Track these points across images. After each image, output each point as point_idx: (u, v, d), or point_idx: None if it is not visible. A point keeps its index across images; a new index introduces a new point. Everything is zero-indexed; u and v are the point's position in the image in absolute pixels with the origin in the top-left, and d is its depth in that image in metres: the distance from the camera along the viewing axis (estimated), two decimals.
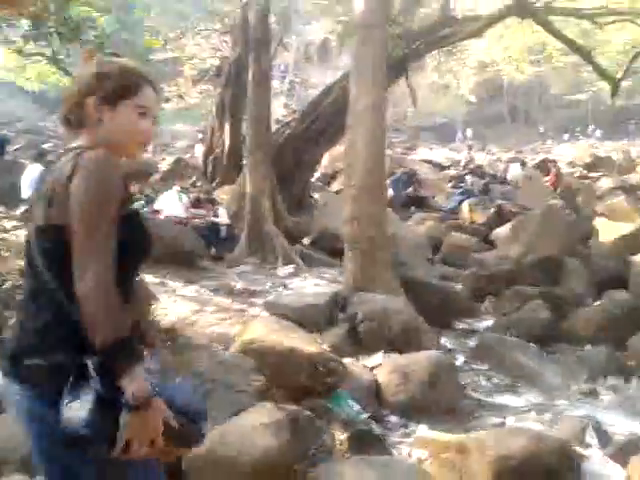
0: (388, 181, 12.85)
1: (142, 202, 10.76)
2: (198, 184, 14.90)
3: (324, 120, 12.61)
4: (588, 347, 6.65)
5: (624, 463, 3.99)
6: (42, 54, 11.41)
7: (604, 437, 4.47)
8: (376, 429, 4.52)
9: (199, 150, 17.75)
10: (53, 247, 1.46)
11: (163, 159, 19.26)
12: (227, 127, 14.60)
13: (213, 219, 10.10)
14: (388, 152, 23.10)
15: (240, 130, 14.33)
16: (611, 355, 6.40)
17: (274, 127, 13.92)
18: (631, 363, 6.40)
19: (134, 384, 1.39)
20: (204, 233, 9.72)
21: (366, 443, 4.14)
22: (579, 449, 4.21)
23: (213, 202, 10.60)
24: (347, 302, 6.85)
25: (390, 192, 14.21)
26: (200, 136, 21.17)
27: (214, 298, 7.68)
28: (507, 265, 8.63)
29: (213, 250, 9.80)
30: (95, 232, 1.40)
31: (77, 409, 1.37)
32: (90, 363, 1.39)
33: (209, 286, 8.13)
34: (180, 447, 1.55)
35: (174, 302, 7.13)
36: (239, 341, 5.01)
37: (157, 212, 10.16)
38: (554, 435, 4.22)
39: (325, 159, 20.36)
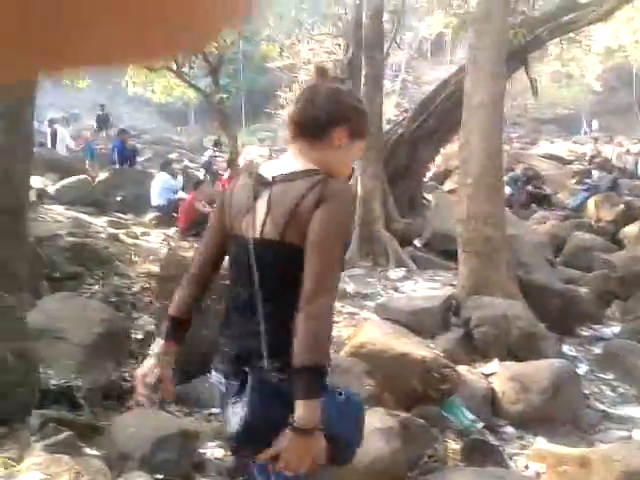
0: (506, 178, 12.39)
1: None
2: None
3: (437, 117, 12.40)
4: None
5: None
6: (168, 67, 12.25)
7: None
8: (491, 439, 4.40)
9: None
10: (279, 262, 1.56)
11: None
12: None
13: None
14: (506, 147, 22.36)
15: None
16: None
17: (386, 127, 13.92)
18: None
19: (310, 409, 1.44)
20: None
21: (481, 454, 4.06)
22: None
23: None
24: (461, 306, 6.72)
25: (508, 190, 13.71)
26: None
27: None
28: (638, 266, 8.02)
29: None
30: (336, 262, 1.53)
31: (232, 417, 1.53)
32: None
33: None
34: (327, 466, 1.56)
35: None
36: (350, 344, 5.09)
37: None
38: None
39: (438, 158, 20.14)
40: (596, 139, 24.01)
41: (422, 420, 4.23)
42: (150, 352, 1.72)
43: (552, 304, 6.93)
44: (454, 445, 4.18)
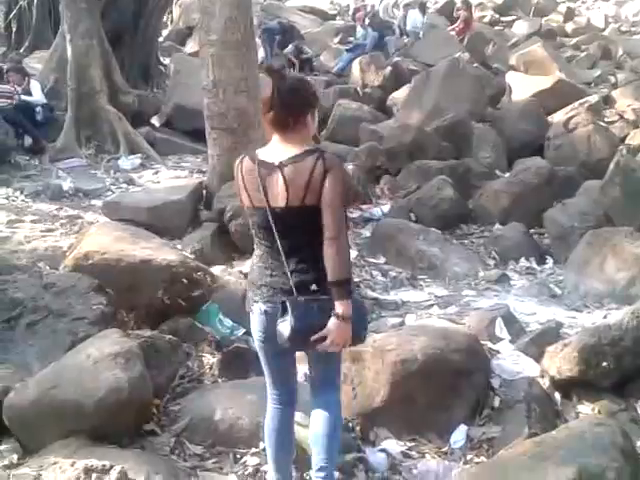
0: (258, 38, 12.44)
1: None
2: (0, 50, 13.74)
3: None
4: (498, 226, 7.11)
5: (538, 355, 4.40)
6: None
7: (516, 328, 4.89)
8: (255, 347, 4.63)
9: None
10: (310, 216, 2.57)
11: None
12: None
13: (25, 97, 9.37)
14: None
15: None
16: (524, 233, 6.90)
17: None
18: (547, 241, 6.95)
19: (347, 305, 2.58)
20: (13, 118, 9.04)
21: (243, 364, 4.25)
22: (489, 344, 4.59)
23: (23, 73, 9.79)
24: (213, 196, 6.78)
25: (261, 53, 13.83)
26: None
27: (35, 204, 7.34)
28: (407, 136, 8.81)
29: (28, 140, 9.19)
30: (344, 211, 2.64)
31: (281, 327, 2.63)
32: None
33: (27, 188, 7.73)
34: (352, 344, 2.76)
35: None
36: (72, 257, 4.84)
37: None
38: (461, 331, 4.54)
39: (176, 11, 19.43)
40: None
41: (171, 336, 4.27)
42: None
43: None
44: (212, 359, 4.30)
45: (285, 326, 2.60)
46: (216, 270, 5.38)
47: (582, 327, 4.86)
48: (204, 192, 7.02)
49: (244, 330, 4.86)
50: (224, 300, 5.03)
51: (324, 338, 2.59)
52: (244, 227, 6.18)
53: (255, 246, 2.82)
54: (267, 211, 2.62)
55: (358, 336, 2.74)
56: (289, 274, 2.64)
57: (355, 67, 13.85)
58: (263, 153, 2.69)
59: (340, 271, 2.54)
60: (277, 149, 2.66)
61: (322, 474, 2.82)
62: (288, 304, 2.60)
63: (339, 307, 2.55)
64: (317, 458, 2.85)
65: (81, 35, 9.74)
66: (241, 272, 5.58)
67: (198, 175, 8.24)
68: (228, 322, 4.85)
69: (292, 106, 2.63)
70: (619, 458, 2.98)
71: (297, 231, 2.63)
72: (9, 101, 9.19)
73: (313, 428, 2.88)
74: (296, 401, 3.00)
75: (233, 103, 6.93)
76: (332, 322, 2.56)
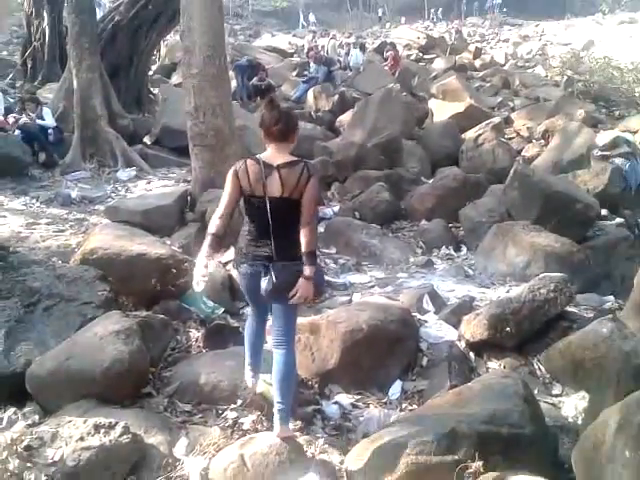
0: (230, 72, 12.29)
1: None
2: (18, 84, 13.29)
3: (156, 4, 11.57)
4: (424, 222, 7.18)
5: (457, 323, 4.47)
6: None
7: (439, 302, 4.96)
8: (232, 322, 4.60)
9: None
10: (294, 206, 2.86)
11: None
12: (45, 15, 12.90)
13: (39, 122, 9.08)
14: (230, 40, 22.07)
15: (61, 17, 12.77)
16: (444, 227, 6.99)
17: (100, 14, 12.56)
18: (462, 233, 7.05)
19: (312, 269, 2.87)
20: (30, 138, 8.77)
21: (222, 337, 4.21)
22: (418, 315, 4.64)
23: (37, 102, 9.48)
24: (196, 200, 6.68)
25: (233, 83, 13.67)
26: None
27: (48, 209, 7.11)
28: (352, 151, 8.82)
29: (42, 157, 8.90)
30: (316, 207, 2.99)
31: (265, 283, 2.92)
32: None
33: (41, 196, 7.48)
34: (314, 300, 3.30)
35: (1, 217, 6.50)
36: (80, 252, 4.73)
37: None
38: (396, 305, 4.57)
39: (163, 50, 19.05)
40: (314, 32, 25.14)
41: (163, 316, 4.21)
42: (199, 262, 3.01)
43: None
44: (197, 334, 4.25)
45: (268, 282, 2.89)
46: None
47: (490, 300, 4.95)
48: (189, 198, 6.91)
49: (223, 309, 4.83)
50: (206, 285, 4.96)
51: (294, 293, 2.87)
52: None
53: (246, 224, 3.01)
54: (265, 199, 2.87)
55: (320, 290, 3.10)
56: (273, 246, 2.90)
57: (310, 95, 13.83)
58: (264, 157, 2.92)
59: (310, 245, 2.85)
60: (274, 155, 2.91)
61: (280, 406, 3.02)
62: (271, 267, 2.88)
63: (306, 270, 2.84)
64: (276, 394, 3.05)
65: (85, 70, 9.47)
66: (220, 262, 5.51)
67: (183, 184, 8.10)
68: (210, 303, 4.79)
69: (290, 125, 2.93)
70: (521, 403, 3.04)
71: (283, 216, 2.88)
72: (26, 123, 8.87)
73: (274, 372, 3.07)
74: (266, 319, 3.30)
75: (211, 124, 6.83)
76: (301, 281, 2.85)
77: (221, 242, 3.01)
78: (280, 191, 2.84)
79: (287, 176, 2.83)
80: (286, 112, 2.99)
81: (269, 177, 2.84)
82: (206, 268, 2.98)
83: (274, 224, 2.88)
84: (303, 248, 2.83)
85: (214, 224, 2.95)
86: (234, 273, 5.21)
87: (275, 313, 3.06)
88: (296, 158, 2.91)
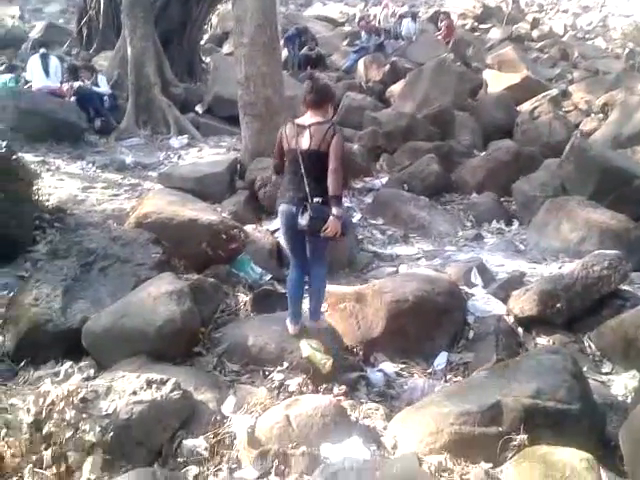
0: (281, 40, 12.21)
1: (12, 76, 9.67)
2: (74, 51, 13.56)
3: None
4: (475, 195, 7.04)
5: (505, 298, 4.40)
6: None
7: (487, 276, 4.88)
8: (279, 289, 4.66)
9: None
10: (322, 158, 3.34)
11: (33, 26, 17.15)
12: None
13: (94, 88, 9.28)
14: (281, 9, 21.87)
15: None
16: (495, 201, 6.84)
17: None
18: (514, 207, 6.90)
19: (340, 210, 3.35)
20: (86, 105, 8.98)
21: (269, 302, 4.27)
22: (466, 289, 4.59)
23: (92, 70, 9.68)
24: (246, 169, 6.73)
25: (284, 52, 13.59)
26: None
27: (104, 174, 7.31)
28: (402, 122, 8.68)
29: (98, 123, 9.12)
30: (343, 162, 3.38)
31: (302, 219, 3.38)
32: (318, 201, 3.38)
33: (97, 161, 7.69)
34: (342, 235, 3.46)
35: (60, 180, 6.72)
36: (134, 216, 4.85)
37: (29, 84, 9.20)
38: (443, 278, 4.53)
39: (214, 19, 19.05)
40: (366, 1, 24.60)
41: (213, 279, 4.29)
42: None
43: None
44: (245, 298, 4.33)
45: (305, 217, 3.36)
46: (248, 228, 5.37)
47: (541, 276, 4.86)
48: (238, 166, 6.97)
49: (270, 275, 4.90)
50: (255, 252, 5.05)
51: (326, 228, 3.33)
52: (270, 193, 6.16)
53: (285, 172, 3.59)
54: (298, 151, 3.42)
55: (346, 229, 3.50)
56: (307, 189, 3.39)
57: (360, 65, 13.61)
58: (299, 120, 3.51)
59: (337, 189, 3.33)
60: (307, 118, 3.47)
61: (313, 310, 3.68)
62: (307, 205, 3.37)
63: (335, 210, 3.33)
64: (310, 304, 3.73)
65: (139, 38, 9.60)
66: (268, 230, 5.57)
67: (234, 152, 8.16)
68: (257, 269, 4.87)
69: (321, 96, 3.47)
70: (569, 379, 3.00)
71: (313, 165, 3.37)
72: (83, 88, 9.08)
73: (311, 281, 3.72)
74: (306, 266, 3.68)
75: (261, 94, 6.84)
76: (331, 219, 3.32)
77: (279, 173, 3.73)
78: (308, 144, 3.38)
79: (315, 133, 3.37)
80: (320, 85, 3.51)
81: (301, 134, 3.42)
82: None
83: (306, 171, 3.39)
84: (330, 192, 3.32)
85: (272, 166, 3.91)
86: (281, 241, 5.30)
87: (310, 245, 3.58)
88: (324, 119, 3.45)
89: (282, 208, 3.52)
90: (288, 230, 3.57)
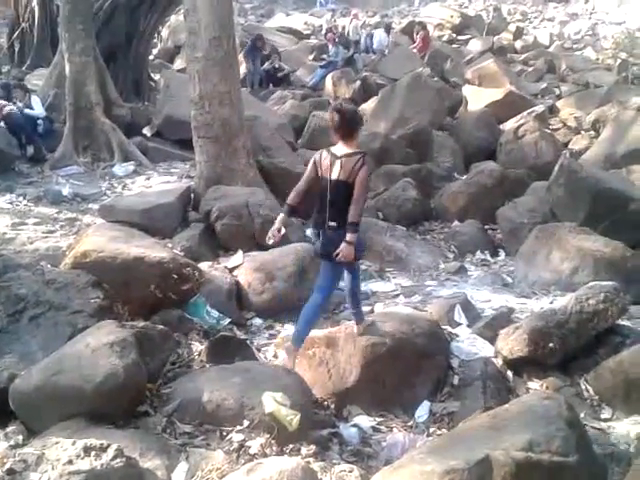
0: (241, 55, 12.39)
1: None
2: (4, 69, 13.51)
3: None
4: (456, 223, 7.16)
5: (493, 337, 4.44)
6: None
7: (472, 314, 4.93)
8: (239, 334, 4.62)
9: None
10: (349, 188, 3.83)
11: None
12: None
13: (27, 111, 9.23)
14: (240, 20, 22.23)
15: None
16: (479, 229, 6.97)
17: None
18: (499, 236, 7.02)
19: (353, 236, 3.81)
20: (17, 129, 8.91)
21: (228, 350, 4.23)
22: (449, 328, 4.63)
23: (25, 89, 9.63)
24: (200, 198, 6.73)
25: (243, 68, 13.77)
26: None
27: (37, 208, 7.23)
28: (375, 143, 8.83)
29: (30, 150, 9.05)
30: (366, 192, 3.98)
31: (317, 243, 4.05)
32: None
33: (29, 194, 7.61)
34: (354, 260, 4.04)
35: None
36: (71, 255, 4.79)
37: None
38: (424, 317, 4.57)
39: (165, 31, 19.24)
40: (333, 11, 25.20)
41: (162, 326, 4.24)
42: (277, 221, 4.09)
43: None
44: (200, 347, 4.28)
45: (318, 244, 4.00)
46: (203, 266, 5.35)
47: (531, 312, 4.92)
48: (192, 195, 6.98)
49: (229, 320, 4.87)
50: (211, 293, 5.02)
51: (337, 254, 3.82)
52: (229, 227, 6.18)
53: (316, 200, 4.03)
54: (328, 180, 3.92)
55: (359, 254, 4.09)
56: (326, 215, 3.92)
57: (328, 81, 13.87)
58: (333, 149, 3.97)
59: (354, 217, 3.81)
60: (340, 148, 3.94)
61: (296, 334, 4.09)
62: (320, 232, 3.97)
63: (348, 236, 3.80)
64: (295, 327, 4.16)
65: (78, 53, 9.60)
66: (226, 267, 5.55)
67: (186, 180, 8.17)
68: (215, 313, 4.84)
69: (352, 125, 3.93)
70: (565, 428, 3.01)
71: (339, 194, 3.88)
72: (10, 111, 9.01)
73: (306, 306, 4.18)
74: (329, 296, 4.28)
75: (217, 114, 6.89)
76: (343, 245, 3.80)
77: (294, 211, 4.14)
78: (338, 174, 3.89)
79: (345, 164, 3.88)
80: (350, 116, 3.92)
81: (334, 164, 3.92)
82: (280, 231, 4.06)
83: (331, 199, 3.91)
84: (349, 219, 3.80)
85: (291, 196, 4.09)
86: (241, 279, 5.30)
87: (321, 269, 4.17)
88: (355, 150, 3.94)
89: (309, 232, 4.48)
90: (314, 255, 4.37)
